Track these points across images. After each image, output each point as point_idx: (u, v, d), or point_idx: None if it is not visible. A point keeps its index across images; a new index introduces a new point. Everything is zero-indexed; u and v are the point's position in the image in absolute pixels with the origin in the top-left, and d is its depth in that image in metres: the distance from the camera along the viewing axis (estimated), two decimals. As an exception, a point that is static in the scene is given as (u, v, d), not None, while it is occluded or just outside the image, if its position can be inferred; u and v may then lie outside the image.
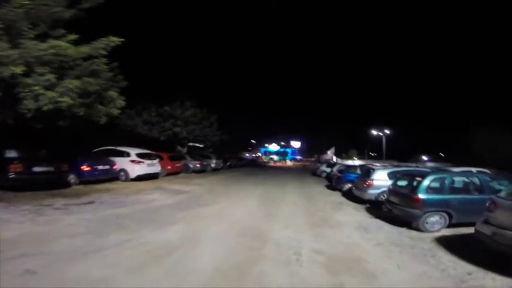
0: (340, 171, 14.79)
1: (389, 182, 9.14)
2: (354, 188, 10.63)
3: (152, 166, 13.69)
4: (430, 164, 40.77)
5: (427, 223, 6.17)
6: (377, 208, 8.64)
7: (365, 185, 9.49)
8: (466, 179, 6.81)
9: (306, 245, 4.90)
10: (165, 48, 37.68)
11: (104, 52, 9.48)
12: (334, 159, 47.71)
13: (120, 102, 11.09)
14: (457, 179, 6.66)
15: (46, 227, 5.32)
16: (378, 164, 22.28)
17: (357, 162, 39.62)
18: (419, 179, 6.37)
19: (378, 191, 9.22)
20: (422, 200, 6.03)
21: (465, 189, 6.65)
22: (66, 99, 8.13)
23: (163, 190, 10.68)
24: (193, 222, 6.22)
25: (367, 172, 10.21)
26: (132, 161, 12.80)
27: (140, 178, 12.89)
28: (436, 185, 6.29)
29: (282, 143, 77.09)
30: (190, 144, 26.95)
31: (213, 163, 22.86)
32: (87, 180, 10.92)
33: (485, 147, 29.65)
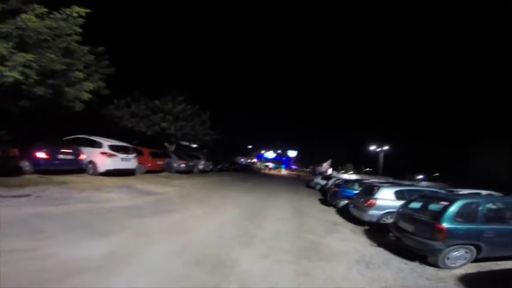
0: (336, 185, 13.29)
1: (395, 203, 7.71)
2: (351, 206, 9.10)
3: (127, 161, 12.10)
4: (424, 183, 39.43)
5: (448, 258, 4.70)
6: (378, 232, 7.16)
7: (366, 204, 7.97)
8: (500, 205, 5.34)
9: (284, 288, 3.36)
10: (164, 41, 36.53)
11: (76, 28, 8.52)
12: (330, 171, 46.25)
13: (89, 85, 9.80)
14: (491, 205, 5.16)
15: None
16: (375, 180, 20.77)
17: (352, 176, 38.16)
18: (444, 203, 4.87)
19: (381, 212, 7.74)
20: (448, 230, 4.54)
21: (500, 217, 5.18)
22: (13, 73, 6.84)
23: (130, 189, 9.10)
24: (140, 234, 4.67)
25: (369, 189, 8.70)
26: (103, 153, 11.22)
27: (111, 173, 11.31)
28: (466, 211, 4.80)
29: (279, 151, 75.73)
30: (185, 143, 25.33)
31: (201, 164, 21.27)
32: (45, 169, 9.36)
33: (484, 167, 28.50)
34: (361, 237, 6.82)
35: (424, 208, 5.63)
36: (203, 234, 5.23)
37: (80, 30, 8.68)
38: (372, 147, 42.94)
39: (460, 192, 11.67)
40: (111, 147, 11.55)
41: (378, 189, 8.21)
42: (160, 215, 6.17)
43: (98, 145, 11.47)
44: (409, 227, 5.24)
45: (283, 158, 74.51)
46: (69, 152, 10.20)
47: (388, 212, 7.61)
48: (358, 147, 53.11)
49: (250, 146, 66.81)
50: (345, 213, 9.81)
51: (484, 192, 12.77)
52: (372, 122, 69.13)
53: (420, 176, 52.97)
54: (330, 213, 10.21)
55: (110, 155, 11.33)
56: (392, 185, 9.43)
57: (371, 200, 7.92)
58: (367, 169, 61.06)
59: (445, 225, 4.56)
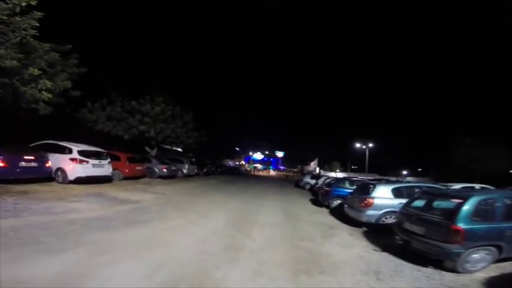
0: (328, 184, 12.71)
1: (393, 201, 7.18)
2: (346, 206, 8.51)
3: (100, 167, 10.99)
4: (410, 179, 40.04)
5: (468, 262, 4.13)
6: (378, 233, 6.59)
7: (363, 204, 7.39)
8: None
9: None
10: (142, 39, 35.16)
11: (32, 22, 7.70)
12: (317, 170, 46.22)
13: (46, 82, 8.76)
14: (507, 201, 4.62)
15: None
16: (363, 177, 20.49)
17: (340, 174, 38.18)
18: (456, 200, 4.30)
19: (380, 212, 7.17)
20: (466, 231, 3.96)
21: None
22: None
23: (101, 198, 8.08)
24: (102, 251, 3.80)
25: (365, 188, 8.13)
26: (72, 159, 10.09)
27: (83, 181, 10.21)
28: (482, 209, 4.25)
29: (267, 152, 75.20)
30: (168, 147, 24.11)
31: (186, 168, 20.21)
32: (4, 178, 8.25)
33: (467, 161, 29.11)
34: (361, 240, 6.19)
35: (430, 207, 5.06)
36: (181, 248, 4.39)
37: (37, 24, 7.87)
38: (357, 145, 43.20)
39: (454, 187, 11.41)
40: (82, 153, 10.44)
41: (374, 187, 7.64)
42: (132, 227, 5.26)
43: (68, 151, 10.35)
44: (418, 228, 4.64)
45: (272, 159, 74.06)
46: (33, 159, 9.07)
47: (388, 212, 7.06)
48: (343, 145, 53.46)
49: (237, 148, 65.81)
50: (339, 214, 9.23)
51: (477, 186, 12.62)
52: (356, 121, 70.33)
53: (404, 172, 54.08)
54: (323, 215, 9.59)
55: (80, 161, 10.22)
56: (389, 182, 8.93)
57: (368, 199, 7.33)
58: (353, 167, 61.63)
59: (461, 225, 3.99)
